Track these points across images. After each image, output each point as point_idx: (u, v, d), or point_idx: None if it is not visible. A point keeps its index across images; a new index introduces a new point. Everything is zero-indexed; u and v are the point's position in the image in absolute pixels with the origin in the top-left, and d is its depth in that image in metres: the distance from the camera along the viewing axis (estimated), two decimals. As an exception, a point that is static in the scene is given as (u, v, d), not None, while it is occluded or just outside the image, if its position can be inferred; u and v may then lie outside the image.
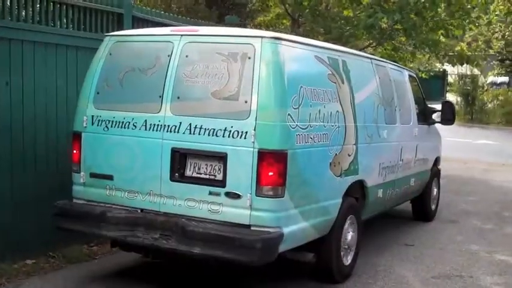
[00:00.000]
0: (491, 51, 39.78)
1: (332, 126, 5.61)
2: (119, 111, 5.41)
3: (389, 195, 7.26)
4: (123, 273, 6.07)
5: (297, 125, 5.02)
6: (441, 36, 15.26)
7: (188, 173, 5.14)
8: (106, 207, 5.35)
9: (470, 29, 16.80)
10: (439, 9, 14.34)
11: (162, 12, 8.58)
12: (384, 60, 8.34)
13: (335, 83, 5.82)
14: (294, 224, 5.03)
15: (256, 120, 4.83)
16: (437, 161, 9.45)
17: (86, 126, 5.55)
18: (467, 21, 15.22)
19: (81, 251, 6.44)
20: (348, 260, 6.02)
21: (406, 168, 7.78)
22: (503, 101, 32.34)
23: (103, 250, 6.58)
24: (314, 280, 5.87)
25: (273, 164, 4.82)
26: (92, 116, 5.52)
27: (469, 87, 33.55)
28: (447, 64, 28.61)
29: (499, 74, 39.15)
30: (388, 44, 15.87)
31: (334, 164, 5.62)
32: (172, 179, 5.12)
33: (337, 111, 5.75)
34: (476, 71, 32.21)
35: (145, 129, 5.27)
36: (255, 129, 4.82)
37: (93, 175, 5.49)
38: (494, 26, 37.53)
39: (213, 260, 5.03)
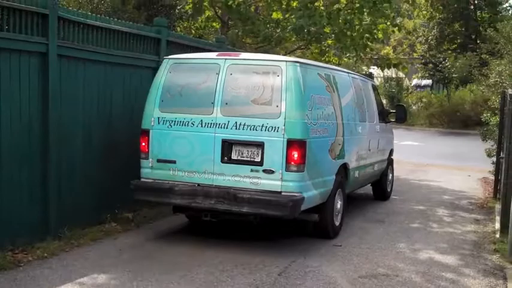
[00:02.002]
0: (415, 55, 40.99)
1: (329, 123, 7.88)
2: (180, 114, 7.39)
3: (361, 176, 9.48)
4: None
5: (311, 122, 7.22)
6: (366, 41, 15.57)
7: (234, 156, 7.15)
8: (172, 183, 7.30)
9: (393, 32, 17.25)
10: (364, 15, 14.66)
11: (89, 13, 8.38)
12: (355, 73, 10.49)
13: (330, 92, 8.13)
14: (309, 191, 7.17)
15: (285, 119, 6.97)
16: (391, 152, 11.71)
17: (153, 125, 7.49)
18: (389, 24, 15.66)
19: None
20: (337, 222, 8.18)
21: (372, 156, 10.02)
22: (427, 103, 33.40)
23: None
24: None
25: (297, 149, 6.95)
26: (158, 117, 7.48)
27: (394, 90, 34.47)
28: (373, 67, 29.34)
29: (422, 77, 40.33)
30: (315, 47, 16.09)
31: (331, 150, 7.88)
32: (222, 161, 7.15)
33: (332, 112, 8.03)
34: (401, 74, 33.06)
35: (201, 126, 7.26)
36: (284, 125, 6.95)
37: (159, 160, 7.44)
38: (418, 30, 38.84)
39: (253, 216, 7.24)
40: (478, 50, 30.14)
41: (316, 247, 7.46)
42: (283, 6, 14.89)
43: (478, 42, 36.85)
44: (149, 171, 7.52)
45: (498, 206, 10.28)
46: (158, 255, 6.82)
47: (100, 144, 7.95)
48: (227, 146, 7.15)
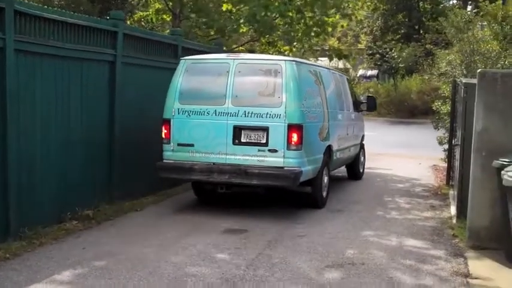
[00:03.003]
0: (360, 46, 41.54)
1: (318, 110, 9.46)
2: (197, 105, 8.80)
3: (341, 157, 10.95)
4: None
5: (306, 110, 8.76)
6: (317, 33, 15.74)
7: (243, 139, 8.65)
8: (192, 163, 8.75)
9: (342, 26, 17.49)
10: (315, 8, 14.79)
11: (45, 6, 8.17)
12: (334, 69, 12.56)
13: (318, 85, 9.74)
14: (305, 166, 8.68)
15: (286, 107, 8.49)
16: (363, 137, 13.19)
17: (174, 115, 8.88)
18: (338, 17, 15.86)
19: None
20: (324, 194, 9.74)
21: (349, 140, 11.56)
22: (374, 93, 33.86)
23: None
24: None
25: (296, 131, 8.47)
26: (178, 108, 8.89)
27: (341, 80, 34.82)
28: (321, 59, 29.61)
29: (368, 68, 40.91)
30: (264, 39, 16.14)
31: (320, 133, 9.41)
32: (234, 143, 8.64)
33: (320, 102, 9.63)
34: (348, 65, 33.46)
35: (216, 115, 8.71)
36: (285, 113, 8.47)
37: (179, 144, 8.86)
38: (363, 21, 39.37)
39: (261, 187, 8.99)
40: (422, 41, 30.83)
41: (280, 238, 7.50)
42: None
43: (421, 32, 37.69)
44: (171, 154, 8.94)
45: (452, 193, 10.54)
46: (122, 252, 6.73)
47: (58, 142, 7.76)
48: (237, 131, 8.64)
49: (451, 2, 43.70)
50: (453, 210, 9.18)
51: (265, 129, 8.52)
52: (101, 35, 8.50)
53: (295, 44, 16.24)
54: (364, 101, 13.35)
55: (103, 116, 8.75)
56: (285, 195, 10.22)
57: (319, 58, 29.52)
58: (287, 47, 16.82)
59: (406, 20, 40.89)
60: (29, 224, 7.06)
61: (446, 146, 12.53)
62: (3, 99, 6.71)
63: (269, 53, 15.89)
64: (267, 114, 8.54)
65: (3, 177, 6.74)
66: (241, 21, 14.11)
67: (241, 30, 15.68)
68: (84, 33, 8.13)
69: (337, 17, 15.84)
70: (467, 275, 6.19)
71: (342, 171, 12.69)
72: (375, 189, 11.69)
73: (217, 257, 6.66)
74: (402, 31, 39.98)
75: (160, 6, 16.85)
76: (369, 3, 41.14)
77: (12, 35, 6.71)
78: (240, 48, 16.71)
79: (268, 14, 14.06)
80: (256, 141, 8.59)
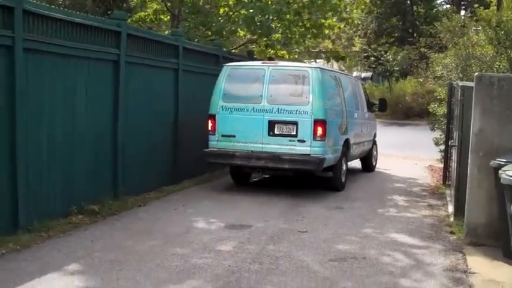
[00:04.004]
0: (355, 48, 41.73)
1: (338, 109, 11.11)
2: (238, 103, 10.52)
3: (357, 150, 12.48)
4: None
5: (328, 108, 10.42)
6: (314, 35, 15.94)
7: (277, 132, 10.31)
8: (234, 151, 10.40)
9: (339, 28, 17.69)
10: (314, 7, 14.96)
11: (52, 6, 8.31)
12: (351, 75, 14.97)
13: (338, 88, 11.37)
14: (328, 154, 10.29)
15: (312, 106, 10.16)
16: (375, 134, 14.64)
17: (218, 111, 10.58)
18: (335, 20, 16.05)
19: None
20: (343, 179, 11.33)
21: (363, 136, 13.06)
22: (369, 95, 34.07)
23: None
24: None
25: (320, 125, 10.12)
26: (222, 105, 10.59)
27: (337, 83, 34.98)
28: (318, 60, 29.80)
29: (363, 70, 41.11)
30: (261, 41, 16.31)
31: (340, 127, 11.01)
32: (269, 135, 10.31)
33: (339, 102, 11.28)
34: (342, 68, 33.65)
35: (253, 112, 10.41)
36: (312, 110, 10.14)
37: (223, 135, 10.55)
38: (358, 23, 39.60)
39: (292, 170, 10.51)
40: (417, 44, 31.06)
41: (284, 234, 7.67)
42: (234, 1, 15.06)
43: (415, 36, 37.95)
44: (215, 143, 10.61)
45: (448, 192, 10.74)
46: (130, 245, 6.89)
47: (64, 138, 7.90)
48: (272, 125, 10.32)
49: (444, 7, 44.11)
50: (450, 208, 9.37)
51: (295, 123, 10.20)
52: (105, 34, 8.64)
53: (294, 47, 16.41)
54: (376, 103, 14.93)
55: (107, 114, 8.89)
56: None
57: (315, 60, 29.84)
58: (284, 51, 17.01)
59: (400, 23, 41.16)
60: (37, 218, 7.21)
61: (442, 147, 12.73)
62: (13, 97, 6.85)
63: (267, 55, 16.17)
64: (297, 111, 10.18)
65: (12, 171, 6.88)
66: (240, 23, 14.25)
67: (238, 33, 15.90)
68: (90, 32, 8.27)
69: (334, 19, 16.03)
70: (466, 270, 6.37)
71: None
72: (374, 187, 11.89)
73: (222, 250, 6.83)
74: (396, 34, 40.21)
75: (158, 7, 16.98)
76: (363, 7, 41.60)
77: (21, 34, 6.84)
78: (238, 49, 16.88)
79: (266, 16, 14.24)
80: (287, 133, 10.25)
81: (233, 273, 5.99)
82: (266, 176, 12.22)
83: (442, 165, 12.64)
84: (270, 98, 10.35)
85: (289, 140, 10.19)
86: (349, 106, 11.83)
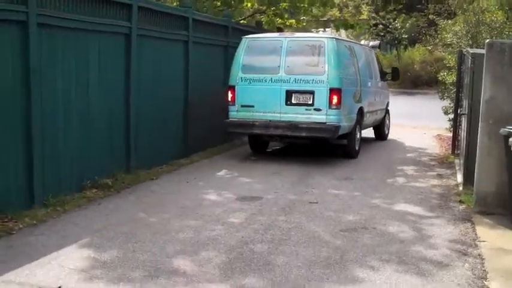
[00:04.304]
0: (362, 16, 41.38)
1: (353, 78, 11.43)
2: (257, 74, 10.92)
3: (370, 119, 12.86)
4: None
5: (343, 77, 10.75)
6: (319, 3, 15.88)
7: (294, 101, 10.71)
8: (253, 120, 10.89)
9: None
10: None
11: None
12: (365, 45, 15.08)
13: (352, 57, 11.68)
14: (343, 123, 10.67)
15: (328, 75, 10.49)
16: (387, 104, 14.87)
17: (238, 82, 10.99)
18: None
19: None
20: (357, 147, 11.70)
21: (376, 104, 13.38)
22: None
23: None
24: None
25: (336, 94, 10.47)
26: (241, 77, 11.00)
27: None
28: (322, 30, 29.65)
29: (371, 38, 40.82)
30: (269, 11, 16.27)
31: (354, 96, 11.37)
32: (286, 104, 10.72)
33: (354, 71, 11.58)
34: (350, 36, 33.45)
35: (271, 82, 10.78)
36: (327, 79, 10.48)
37: (243, 106, 10.99)
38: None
39: (308, 138, 11.07)
40: (425, 11, 30.78)
41: (295, 205, 7.77)
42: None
43: (423, 2, 37.56)
44: (235, 113, 11.07)
45: (457, 161, 10.79)
46: (144, 218, 7.02)
47: (78, 113, 7.99)
48: (289, 94, 10.70)
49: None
50: (459, 178, 9.43)
51: (312, 93, 10.56)
52: (117, 7, 8.66)
53: (302, 16, 16.36)
54: (389, 72, 15.06)
55: (120, 88, 8.96)
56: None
57: (321, 29, 29.69)
58: (292, 20, 16.96)
59: (409, -11, 40.70)
60: (52, 192, 7.33)
61: (451, 116, 12.74)
62: (27, 73, 6.91)
63: (276, 25, 16.15)
64: (313, 80, 10.55)
65: (28, 147, 6.98)
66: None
67: (246, 4, 15.85)
68: (102, 6, 8.30)
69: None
70: (475, 238, 6.46)
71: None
72: (383, 158, 11.96)
73: (234, 221, 6.94)
74: (404, 1, 39.78)
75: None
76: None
77: (35, 9, 6.88)
78: (246, 20, 16.84)
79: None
80: (304, 102, 10.63)
81: (246, 244, 6.10)
82: (280, 146, 12.76)
83: (450, 135, 12.66)
84: (287, 69, 10.73)
85: (306, 109, 10.59)
86: (363, 75, 12.13)
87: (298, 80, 10.64)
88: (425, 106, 20.56)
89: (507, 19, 11.91)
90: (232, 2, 14.73)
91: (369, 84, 12.70)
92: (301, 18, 17.62)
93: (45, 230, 6.43)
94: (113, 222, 6.80)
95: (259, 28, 14.85)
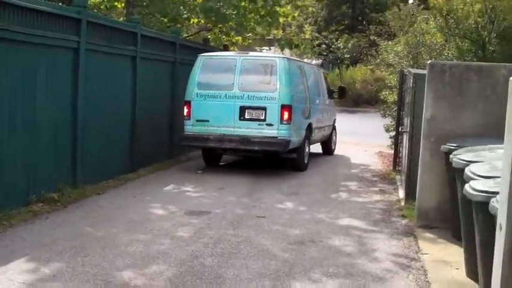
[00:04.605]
0: (305, 36, 42.06)
1: (303, 95, 12.17)
2: (212, 91, 11.41)
3: (318, 134, 13.52)
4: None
5: (294, 94, 11.47)
6: (266, 23, 16.15)
7: (247, 116, 11.22)
8: (208, 134, 11.32)
9: (294, 17, 17.94)
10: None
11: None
12: (313, 64, 16.11)
13: (302, 76, 12.46)
14: (293, 137, 11.28)
15: (279, 92, 11.14)
16: (334, 120, 15.61)
17: (193, 98, 11.46)
18: (290, 8, 16.30)
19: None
20: (306, 161, 12.35)
21: (324, 121, 14.09)
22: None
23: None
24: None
25: (287, 110, 11.08)
26: (197, 93, 11.48)
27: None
28: (267, 48, 30.01)
29: (314, 57, 41.48)
30: (216, 28, 16.43)
31: (303, 112, 12.09)
32: (240, 119, 11.21)
33: (303, 89, 12.34)
34: (294, 55, 33.94)
35: (226, 98, 11.33)
36: (279, 96, 11.11)
37: (198, 120, 11.42)
38: (312, 11, 39.93)
39: (260, 152, 11.55)
40: (367, 32, 31.55)
41: (243, 219, 7.86)
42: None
43: (364, 23, 38.51)
44: (191, 128, 11.51)
45: (399, 177, 11.12)
46: (92, 232, 6.99)
47: (24, 126, 7.90)
48: (243, 110, 11.24)
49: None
50: (401, 193, 9.72)
51: (264, 109, 11.18)
52: (66, 22, 8.64)
53: (248, 34, 16.59)
54: (336, 90, 15.94)
55: (67, 102, 8.90)
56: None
57: (265, 48, 30.02)
58: (238, 37, 17.16)
59: (350, 11, 41.70)
60: (-2, 207, 7.22)
61: (392, 134, 13.11)
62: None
63: (222, 42, 16.34)
64: (265, 97, 11.17)
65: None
66: (197, 10, 14.33)
67: (193, 21, 15.97)
68: (52, 20, 8.27)
69: (289, 7, 16.27)
70: (418, 251, 6.69)
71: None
72: (327, 173, 12.20)
73: (183, 235, 6.98)
74: (346, 22, 40.77)
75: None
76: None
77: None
78: (193, 37, 16.94)
79: (222, 4, 14.36)
80: (256, 117, 11.22)
81: (196, 257, 6.15)
82: (227, 162, 12.93)
83: (391, 152, 13.05)
84: (241, 86, 11.30)
85: (258, 124, 11.18)
86: (312, 93, 12.89)
87: (251, 96, 11.20)
88: (366, 124, 21.07)
89: (446, 41, 12.36)
90: (179, 19, 14.79)
91: (317, 101, 13.40)
92: (247, 35, 17.85)
93: (-8, 244, 6.33)
94: (61, 236, 6.74)
95: (206, 45, 14.98)
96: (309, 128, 12.39)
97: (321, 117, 13.74)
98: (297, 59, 13.74)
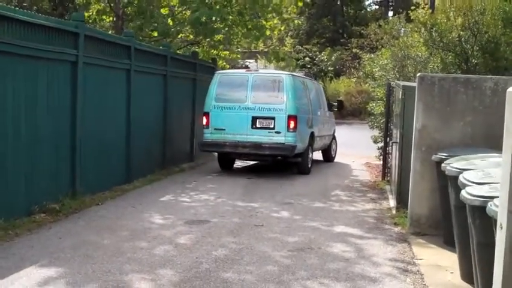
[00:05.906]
0: (286, 48, 42.48)
1: (306, 107, 13.80)
2: (227, 103, 13.13)
3: (319, 142, 15.02)
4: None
5: (299, 106, 13.08)
6: (253, 37, 16.45)
7: (258, 125, 12.88)
8: (224, 141, 13.00)
9: (280, 30, 18.27)
10: (255, 11, 15.47)
11: (15, 8, 8.45)
12: (315, 80, 17.21)
13: (305, 90, 14.16)
14: (298, 143, 12.86)
15: (286, 104, 12.80)
16: (334, 130, 17.21)
17: (211, 109, 13.16)
18: (276, 22, 16.62)
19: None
20: (309, 165, 13.91)
21: (324, 130, 15.65)
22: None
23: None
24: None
25: (293, 120, 12.72)
26: (214, 105, 13.17)
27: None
28: (249, 61, 30.34)
29: (297, 70, 41.90)
30: (205, 42, 16.69)
31: (307, 122, 13.66)
32: (252, 128, 12.88)
33: (307, 101, 14.01)
34: (278, 68, 34.27)
35: (240, 109, 12.98)
36: (286, 108, 12.77)
37: (215, 129, 13.10)
38: (290, 24, 40.36)
39: (270, 156, 13.24)
40: (348, 45, 32.08)
41: (242, 228, 8.09)
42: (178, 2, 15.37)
43: (345, 36, 39.06)
44: (209, 135, 13.22)
45: (388, 187, 11.42)
46: (97, 241, 7.16)
47: (27, 139, 8.08)
48: (254, 120, 12.91)
49: (373, 7, 45.45)
50: (392, 202, 10.01)
51: (273, 118, 12.81)
52: (65, 36, 8.84)
53: (237, 48, 16.91)
54: (334, 103, 18.11)
55: (67, 114, 9.08)
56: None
57: (249, 60, 30.35)
58: (226, 52, 17.45)
59: (331, 24, 42.24)
60: (3, 216, 7.36)
61: (380, 144, 13.42)
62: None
63: (211, 55, 16.63)
64: (274, 108, 12.80)
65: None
66: (186, 23, 14.61)
67: (181, 35, 16.22)
68: (51, 34, 8.46)
69: (275, 21, 16.60)
70: (413, 257, 6.96)
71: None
72: (318, 184, 12.46)
73: (187, 243, 7.19)
74: (327, 35, 41.27)
75: (100, 8, 17.02)
76: (294, 9, 42.42)
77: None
78: (181, 50, 17.17)
79: (211, 17, 14.62)
80: (266, 126, 12.83)
81: (201, 263, 6.36)
82: (223, 171, 13.35)
83: (378, 162, 13.37)
84: (253, 99, 12.95)
85: (268, 132, 12.80)
86: (314, 105, 14.61)
87: (262, 108, 12.85)
88: (352, 135, 21.41)
89: (430, 54, 12.71)
90: (169, 32, 15.03)
91: (319, 113, 15.05)
92: (236, 49, 18.18)
93: (2, 252, 6.48)
94: (68, 245, 6.91)
95: (195, 58, 15.24)
96: (312, 136, 13.92)
97: (322, 127, 15.22)
98: (301, 75, 15.40)
